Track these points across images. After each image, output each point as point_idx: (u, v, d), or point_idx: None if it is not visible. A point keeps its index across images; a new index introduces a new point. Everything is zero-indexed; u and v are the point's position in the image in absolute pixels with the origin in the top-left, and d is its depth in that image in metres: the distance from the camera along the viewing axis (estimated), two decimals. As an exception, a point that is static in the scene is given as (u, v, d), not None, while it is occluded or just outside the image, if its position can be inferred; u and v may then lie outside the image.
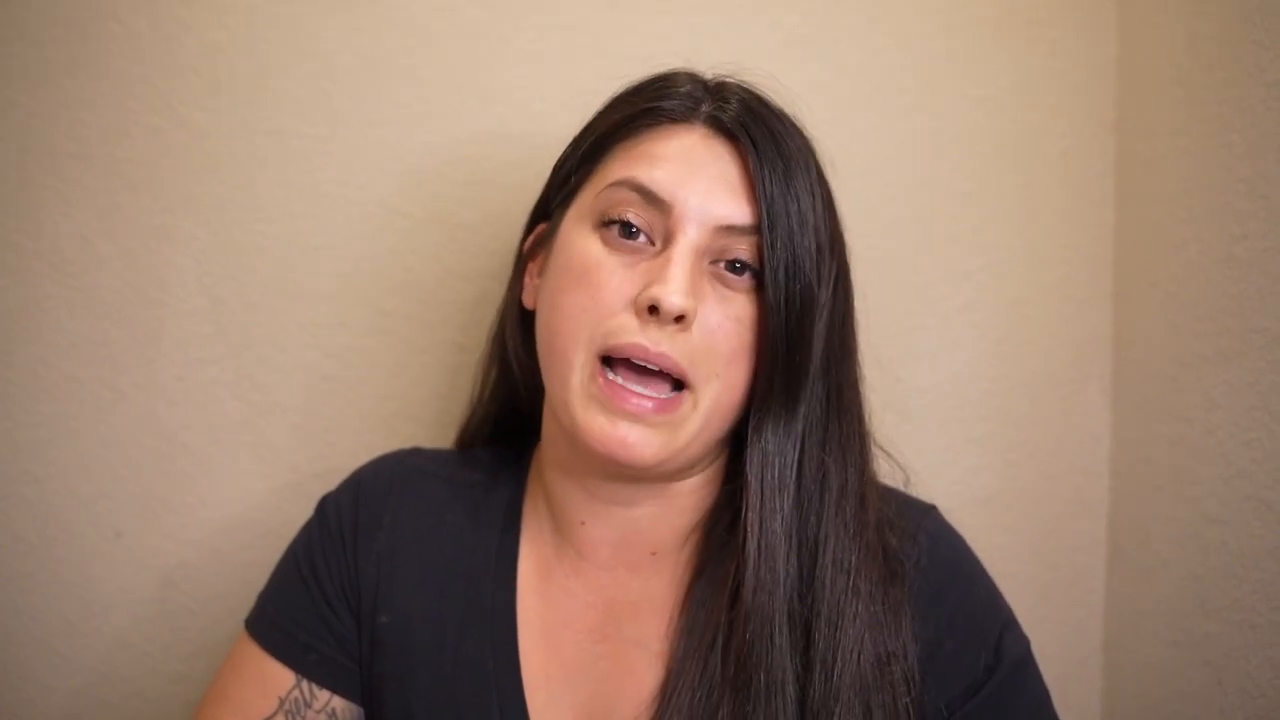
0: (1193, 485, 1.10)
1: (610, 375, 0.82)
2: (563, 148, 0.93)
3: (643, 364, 0.81)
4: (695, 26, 1.18)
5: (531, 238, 0.94)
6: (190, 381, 1.15)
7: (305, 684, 0.91)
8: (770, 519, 0.84)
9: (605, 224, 0.84)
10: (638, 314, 0.81)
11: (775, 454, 0.85)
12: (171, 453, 1.15)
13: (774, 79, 0.90)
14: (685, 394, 0.82)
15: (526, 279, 0.94)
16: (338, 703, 0.91)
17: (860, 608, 0.83)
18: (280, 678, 0.91)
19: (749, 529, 0.84)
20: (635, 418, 0.81)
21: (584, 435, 0.82)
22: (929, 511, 0.92)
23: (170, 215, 1.14)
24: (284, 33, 1.14)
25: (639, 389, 0.82)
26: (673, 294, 0.80)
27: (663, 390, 0.82)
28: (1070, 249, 1.23)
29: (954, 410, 1.22)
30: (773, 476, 0.85)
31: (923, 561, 0.87)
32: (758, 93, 0.88)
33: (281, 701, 0.90)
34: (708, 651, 0.84)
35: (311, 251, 1.16)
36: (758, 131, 0.84)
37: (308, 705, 0.91)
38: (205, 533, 1.16)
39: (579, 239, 0.85)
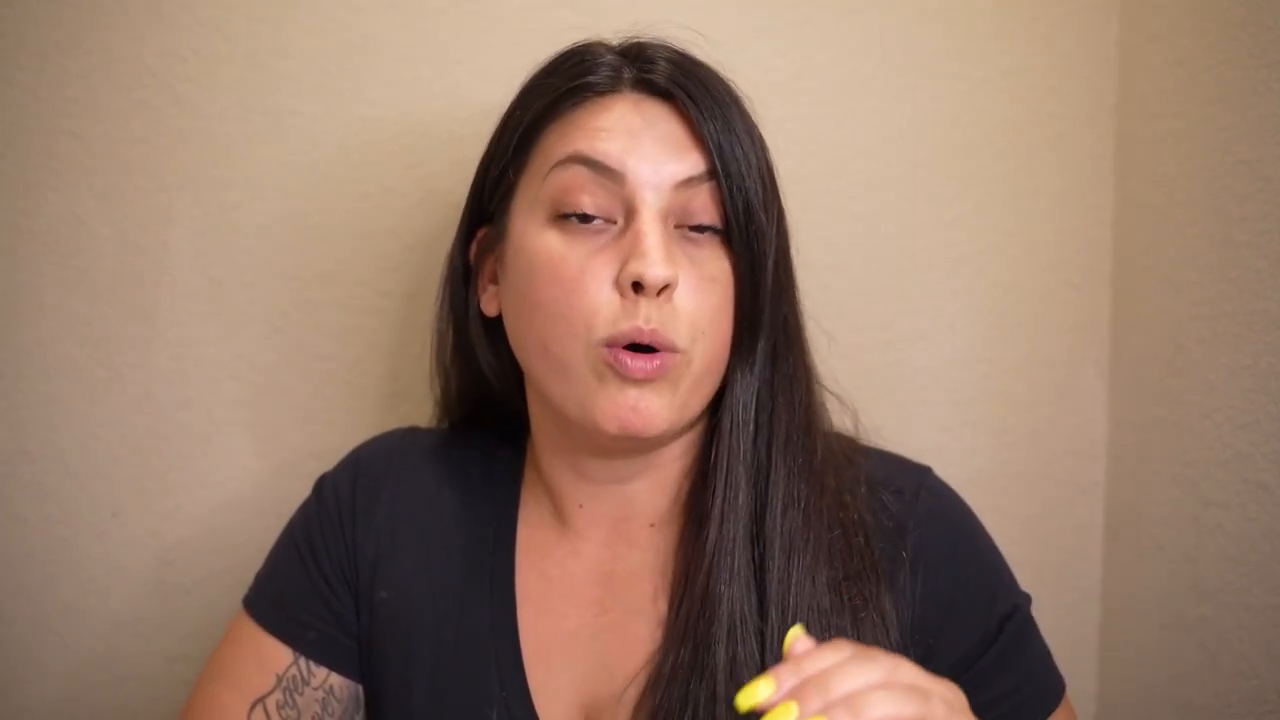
0: (1189, 468, 1.10)
1: (614, 354, 0.82)
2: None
3: (637, 344, 0.82)
4: (694, 6, 1.17)
5: (475, 245, 0.93)
6: (187, 361, 1.15)
7: (303, 661, 0.91)
8: (735, 457, 0.86)
9: (560, 217, 0.84)
10: (623, 294, 0.82)
11: (741, 395, 0.87)
12: (169, 433, 1.15)
13: (688, 29, 0.91)
14: (678, 355, 0.83)
15: (481, 287, 0.93)
16: (335, 680, 0.92)
17: (812, 535, 0.85)
18: (278, 655, 0.91)
19: (716, 467, 0.86)
20: (642, 383, 0.82)
21: (597, 416, 0.82)
22: (927, 471, 0.93)
23: (167, 195, 1.14)
24: (281, 11, 1.14)
25: (640, 358, 0.82)
26: (653, 265, 0.80)
27: (654, 356, 0.83)
28: (1069, 231, 1.22)
29: (950, 393, 1.22)
30: (739, 416, 0.87)
31: (927, 518, 0.88)
32: (676, 48, 0.89)
33: (279, 679, 0.91)
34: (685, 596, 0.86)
35: (309, 231, 1.16)
36: (690, 84, 0.85)
37: (305, 683, 0.91)
38: (203, 512, 1.16)
39: (535, 236, 0.85)
